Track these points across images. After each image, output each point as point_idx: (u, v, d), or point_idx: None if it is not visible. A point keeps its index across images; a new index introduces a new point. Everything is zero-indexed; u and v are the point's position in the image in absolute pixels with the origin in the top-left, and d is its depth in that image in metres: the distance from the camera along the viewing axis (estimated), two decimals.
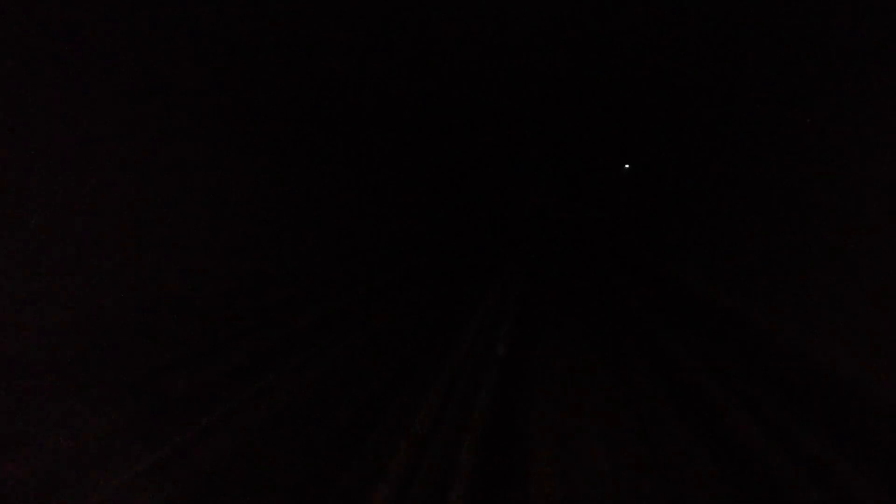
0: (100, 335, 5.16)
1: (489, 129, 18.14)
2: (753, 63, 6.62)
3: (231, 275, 7.29)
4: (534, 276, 9.19)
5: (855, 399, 3.66)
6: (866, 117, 4.33)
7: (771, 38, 5.91)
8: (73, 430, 3.54)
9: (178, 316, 6.08)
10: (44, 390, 4.13)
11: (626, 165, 23.74)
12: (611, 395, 3.94)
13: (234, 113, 7.46)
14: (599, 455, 3.01)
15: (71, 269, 4.85)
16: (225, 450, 3.29)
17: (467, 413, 3.68)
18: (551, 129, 20.22)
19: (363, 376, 4.57)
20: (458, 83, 10.30)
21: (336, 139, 10.66)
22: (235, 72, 6.85)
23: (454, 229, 18.74)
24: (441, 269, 10.46)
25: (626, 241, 14.76)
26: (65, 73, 4.82)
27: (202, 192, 6.85)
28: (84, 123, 5.05)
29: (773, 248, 6.44)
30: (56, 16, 4.52)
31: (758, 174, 6.89)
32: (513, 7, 5.56)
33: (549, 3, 5.47)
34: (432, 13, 5.80)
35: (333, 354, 5.19)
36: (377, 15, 5.88)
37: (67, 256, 4.84)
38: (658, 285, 8.10)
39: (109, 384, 4.43)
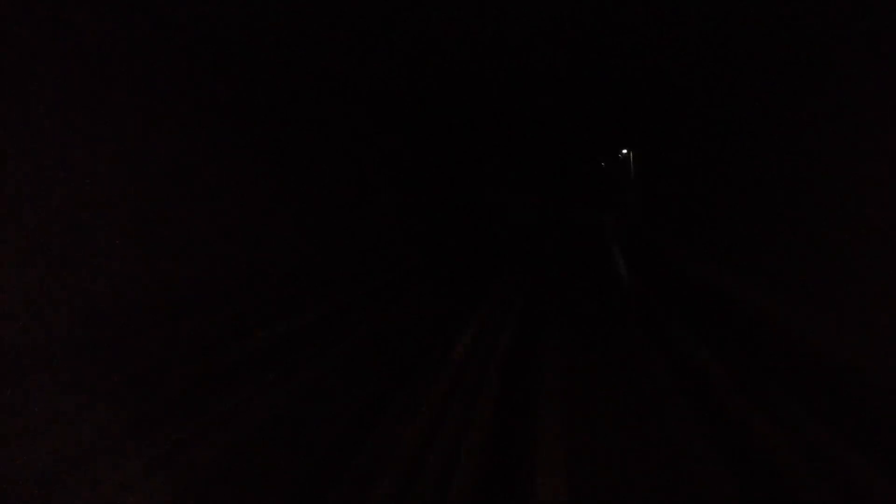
0: (100, 333, 5.14)
1: (489, 129, 18.15)
2: (753, 63, 6.61)
3: (231, 274, 7.29)
4: (535, 275, 9.18)
5: (858, 387, 3.65)
6: (865, 104, 4.32)
7: (770, 36, 5.90)
8: (73, 427, 3.54)
9: (177, 314, 6.07)
10: (45, 387, 4.12)
11: (625, 150, 23.55)
12: (613, 395, 3.93)
13: (234, 112, 7.45)
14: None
15: (71, 268, 4.85)
16: (223, 448, 3.28)
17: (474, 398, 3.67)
18: (552, 130, 20.24)
19: (362, 377, 4.57)
20: (457, 83, 10.29)
21: (336, 139, 10.66)
22: (237, 71, 6.84)
23: (454, 229, 18.73)
24: (440, 270, 10.45)
25: (627, 236, 14.75)
26: (65, 73, 4.81)
27: (202, 191, 6.84)
28: (84, 123, 5.05)
29: (777, 245, 6.43)
30: (57, 14, 4.52)
31: (759, 167, 6.88)
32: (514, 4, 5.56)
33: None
34: (432, 12, 5.79)
35: (333, 354, 5.19)
36: (375, 14, 5.87)
37: (67, 255, 4.83)
38: (660, 277, 8.09)
39: (109, 382, 4.42)
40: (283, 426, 3.65)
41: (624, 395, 3.92)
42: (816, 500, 2.52)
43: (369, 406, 3.91)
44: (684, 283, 8.10)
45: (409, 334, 5.81)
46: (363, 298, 7.91)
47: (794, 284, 5.75)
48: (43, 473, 3.00)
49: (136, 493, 2.82)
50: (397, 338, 5.70)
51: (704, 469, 2.84)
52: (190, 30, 5.38)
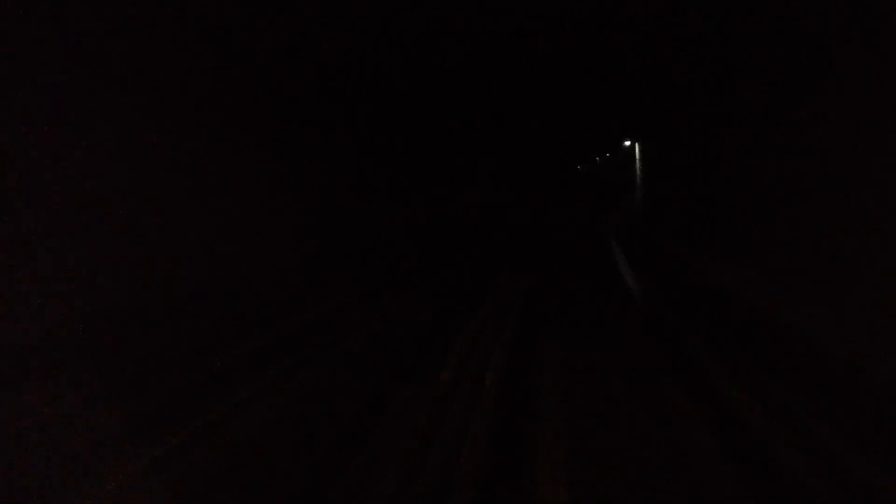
0: (100, 333, 5.14)
1: (489, 129, 18.15)
2: (754, 63, 6.60)
3: (231, 274, 7.29)
4: (535, 275, 9.17)
5: (858, 385, 3.65)
6: (865, 104, 4.32)
7: (770, 36, 5.89)
8: (73, 427, 3.53)
9: (177, 314, 6.07)
10: (45, 387, 4.12)
11: (627, 143, 23.13)
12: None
13: (234, 112, 7.45)
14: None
15: (71, 268, 4.85)
16: (224, 448, 3.28)
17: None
18: (553, 130, 20.24)
19: (363, 377, 4.57)
20: (458, 81, 10.28)
21: (336, 139, 10.65)
22: (238, 71, 6.84)
23: (454, 229, 18.73)
24: (440, 270, 10.44)
25: (627, 235, 14.75)
26: (65, 73, 4.81)
27: (202, 191, 6.84)
28: (84, 123, 5.05)
29: (778, 244, 6.43)
30: (58, 13, 4.51)
31: (760, 166, 6.88)
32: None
33: None
34: (432, 11, 5.78)
35: (333, 354, 5.19)
36: (375, 14, 5.87)
37: (67, 255, 4.83)
38: (661, 276, 8.09)
39: (109, 382, 4.42)
40: (284, 426, 3.65)
41: (624, 395, 3.92)
42: (817, 499, 2.52)
43: (370, 406, 3.91)
44: (685, 283, 8.10)
45: (409, 334, 5.81)
46: (363, 298, 7.91)
47: (795, 284, 5.75)
48: (43, 474, 3.00)
49: (137, 493, 2.82)
50: (397, 338, 5.71)
51: (705, 468, 2.84)
52: (190, 29, 5.38)
